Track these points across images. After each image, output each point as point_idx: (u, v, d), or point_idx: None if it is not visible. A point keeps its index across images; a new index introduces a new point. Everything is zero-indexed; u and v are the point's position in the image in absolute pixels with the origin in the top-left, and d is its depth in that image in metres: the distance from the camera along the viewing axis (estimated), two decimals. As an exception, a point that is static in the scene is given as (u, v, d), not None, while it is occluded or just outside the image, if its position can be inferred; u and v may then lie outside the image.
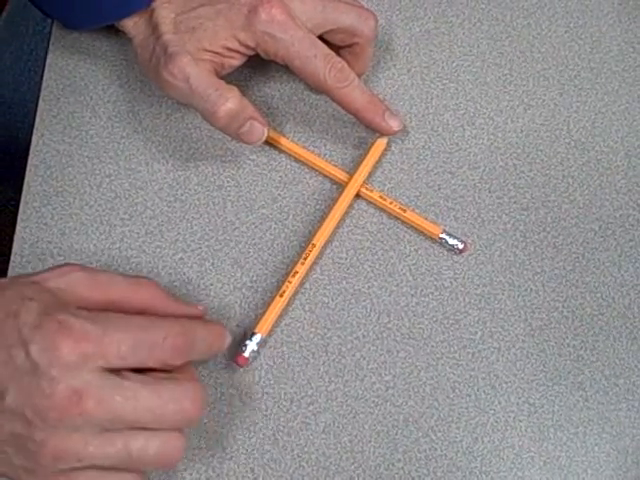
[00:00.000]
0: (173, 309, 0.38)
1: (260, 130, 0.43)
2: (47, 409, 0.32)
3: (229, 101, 0.41)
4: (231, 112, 0.42)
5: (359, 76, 0.45)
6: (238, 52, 0.42)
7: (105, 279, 0.36)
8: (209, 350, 0.38)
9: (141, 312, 0.36)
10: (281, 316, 0.43)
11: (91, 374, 0.32)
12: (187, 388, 0.35)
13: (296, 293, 0.43)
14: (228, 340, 0.39)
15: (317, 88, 0.44)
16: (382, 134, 0.46)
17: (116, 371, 0.33)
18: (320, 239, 0.44)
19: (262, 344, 0.42)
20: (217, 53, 0.42)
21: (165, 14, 0.41)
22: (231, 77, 0.44)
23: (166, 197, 0.45)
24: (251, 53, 0.43)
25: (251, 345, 0.41)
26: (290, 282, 0.43)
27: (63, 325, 0.32)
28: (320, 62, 0.42)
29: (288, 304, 0.43)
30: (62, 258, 0.43)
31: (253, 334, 0.42)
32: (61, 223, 0.44)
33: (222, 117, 0.42)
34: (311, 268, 0.44)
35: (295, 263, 0.43)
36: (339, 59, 0.43)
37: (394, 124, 0.45)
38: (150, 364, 0.34)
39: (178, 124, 0.47)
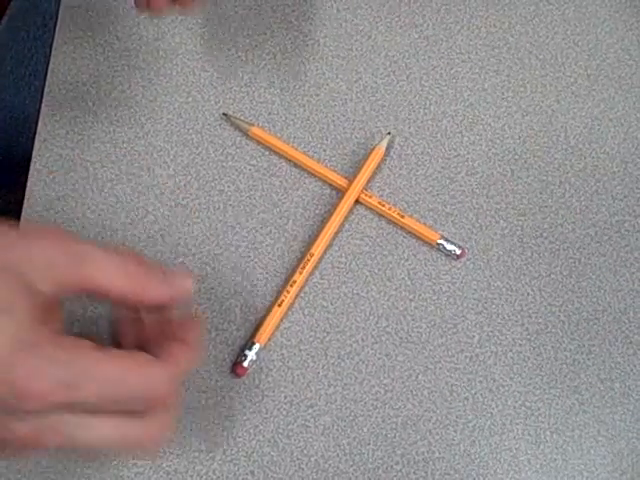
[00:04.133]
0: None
1: None
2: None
3: None
4: None
5: None
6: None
7: None
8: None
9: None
10: (281, 321, 0.43)
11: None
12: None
13: (295, 298, 0.44)
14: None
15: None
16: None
17: None
18: (318, 248, 0.44)
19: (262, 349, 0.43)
20: None
21: None
22: (233, 79, 0.44)
23: (167, 202, 0.46)
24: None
25: (250, 355, 0.42)
26: (288, 292, 0.43)
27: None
28: None
29: (287, 309, 0.43)
30: (64, 262, 0.44)
31: (252, 344, 0.42)
32: (63, 227, 0.45)
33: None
34: (309, 276, 0.44)
35: (293, 272, 0.44)
36: None
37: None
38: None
39: (179, 129, 0.47)
